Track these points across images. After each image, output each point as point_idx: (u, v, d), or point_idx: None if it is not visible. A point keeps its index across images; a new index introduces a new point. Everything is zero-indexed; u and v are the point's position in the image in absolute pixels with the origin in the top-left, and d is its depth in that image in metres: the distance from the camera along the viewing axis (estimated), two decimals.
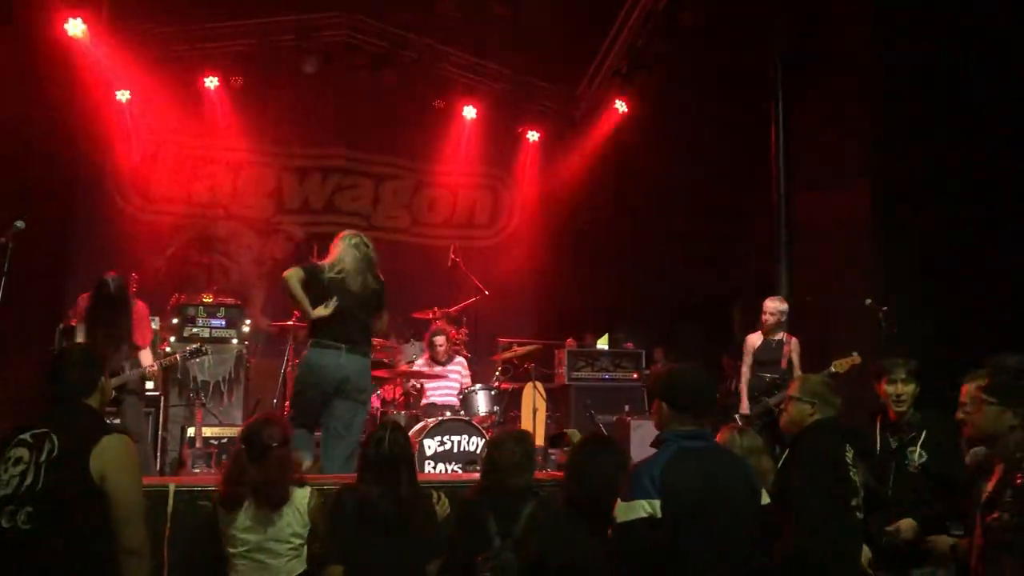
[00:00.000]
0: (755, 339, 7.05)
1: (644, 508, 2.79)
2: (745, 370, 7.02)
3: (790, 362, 6.87)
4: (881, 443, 4.21)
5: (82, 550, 2.91)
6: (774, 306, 6.99)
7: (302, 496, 3.70)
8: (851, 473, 3.79)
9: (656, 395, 3.11)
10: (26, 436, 2.98)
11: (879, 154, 7.73)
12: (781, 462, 4.01)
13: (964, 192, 7.28)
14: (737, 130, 9.33)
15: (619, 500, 2.88)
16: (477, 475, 4.13)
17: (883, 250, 7.66)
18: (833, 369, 6.32)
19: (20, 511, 2.88)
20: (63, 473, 2.92)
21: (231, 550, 3.62)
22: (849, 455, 3.82)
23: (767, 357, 6.91)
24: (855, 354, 6.34)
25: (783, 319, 6.97)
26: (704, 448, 2.98)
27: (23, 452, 2.95)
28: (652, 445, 3.04)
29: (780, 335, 6.93)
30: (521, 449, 3.72)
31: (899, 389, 4.16)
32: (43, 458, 2.92)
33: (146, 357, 6.15)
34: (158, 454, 7.29)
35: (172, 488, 4.31)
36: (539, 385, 8.37)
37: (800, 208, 8.13)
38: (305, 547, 3.68)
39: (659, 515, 2.77)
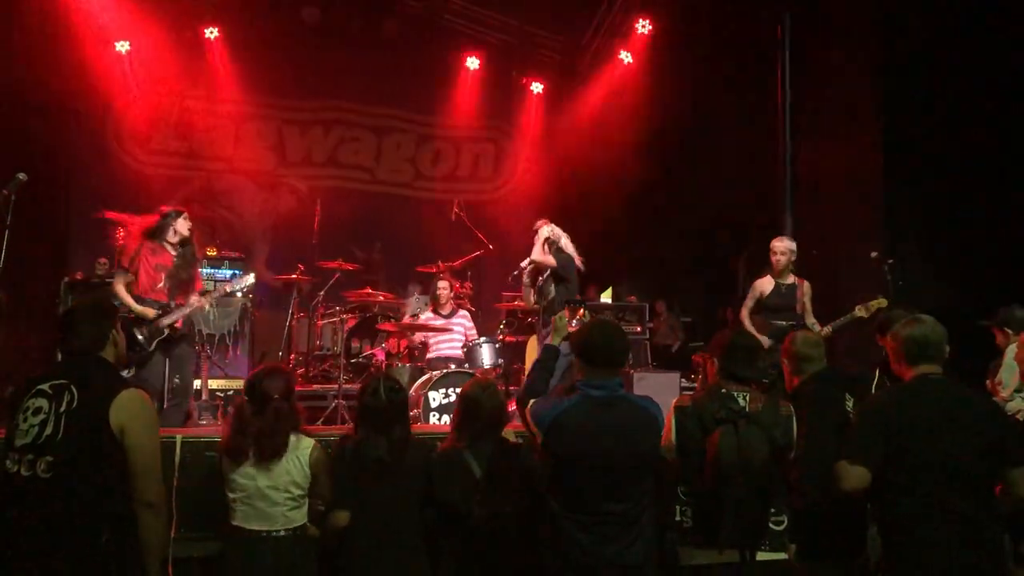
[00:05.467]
0: (765, 284, 6.61)
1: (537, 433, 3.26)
2: (745, 313, 6.64)
3: (804, 307, 6.53)
4: None
5: (100, 500, 2.94)
6: (785, 245, 6.60)
7: (304, 447, 3.71)
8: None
9: (572, 350, 3.43)
10: (45, 387, 3.00)
11: (889, 106, 7.64)
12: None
13: (972, 146, 7.21)
14: (743, 81, 9.22)
15: (533, 407, 3.32)
16: None
17: (890, 203, 7.61)
18: (857, 313, 6.10)
19: (40, 460, 2.91)
20: (83, 424, 2.94)
21: (231, 495, 3.67)
22: (849, 403, 3.86)
23: (780, 303, 6.54)
24: (881, 297, 6.09)
25: (793, 259, 6.65)
26: (606, 397, 3.24)
27: (43, 402, 2.97)
28: (567, 391, 3.34)
29: (791, 279, 6.58)
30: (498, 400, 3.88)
31: None
32: (63, 408, 2.94)
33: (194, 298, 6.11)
34: (163, 406, 7.34)
35: (179, 439, 4.36)
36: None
37: (806, 160, 8.05)
38: (306, 500, 3.72)
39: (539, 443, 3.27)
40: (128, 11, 9.92)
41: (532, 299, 7.09)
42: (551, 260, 6.82)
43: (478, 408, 3.79)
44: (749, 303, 6.67)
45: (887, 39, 7.65)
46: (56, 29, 8.84)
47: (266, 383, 3.73)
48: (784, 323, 6.33)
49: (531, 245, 7.04)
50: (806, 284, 6.61)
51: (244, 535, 3.63)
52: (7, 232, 4.87)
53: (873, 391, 4.26)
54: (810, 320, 6.42)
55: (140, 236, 5.92)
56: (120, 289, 5.77)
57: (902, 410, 3.26)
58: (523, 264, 7.04)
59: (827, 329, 6.20)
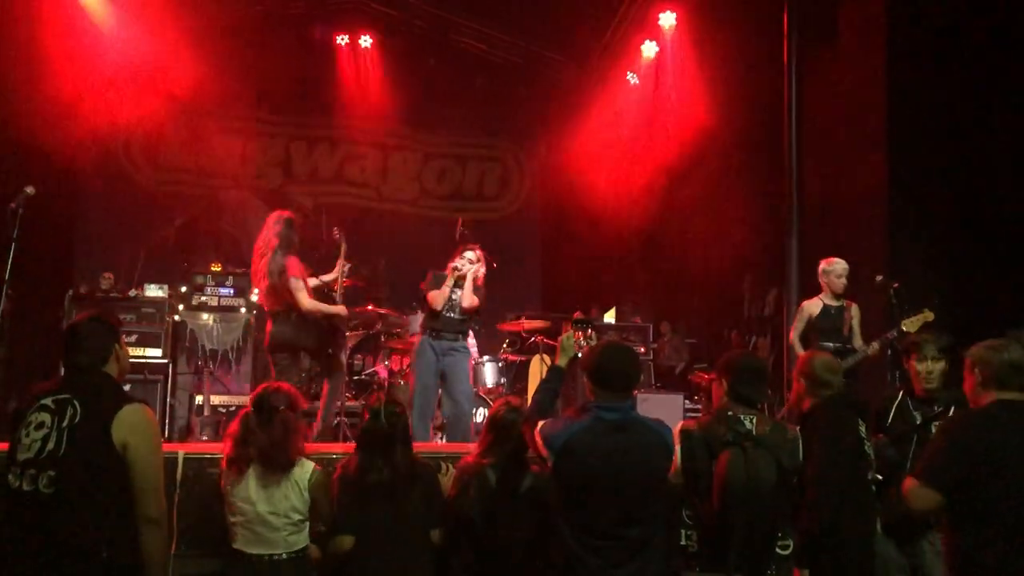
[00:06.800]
0: (813, 306, 6.43)
1: (548, 455, 3.27)
2: (795, 336, 6.43)
3: (851, 329, 6.34)
4: (905, 418, 4.21)
5: (102, 516, 2.92)
6: (843, 266, 6.37)
7: (303, 471, 3.67)
8: (865, 447, 3.81)
9: (583, 371, 3.41)
10: (48, 401, 2.98)
11: (895, 127, 7.63)
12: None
13: (980, 169, 7.20)
14: (748, 102, 9.24)
15: (543, 429, 3.29)
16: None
17: (895, 226, 7.59)
18: (904, 328, 5.86)
19: (42, 475, 2.89)
20: (86, 439, 2.92)
21: (231, 518, 3.64)
22: (862, 429, 3.83)
23: (829, 325, 6.32)
24: (927, 310, 5.91)
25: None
26: (619, 419, 3.23)
27: (45, 417, 2.95)
28: (578, 412, 3.31)
29: (840, 301, 6.40)
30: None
31: (928, 367, 4.17)
32: (65, 423, 2.92)
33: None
34: (166, 422, 7.33)
35: (181, 456, 4.33)
36: (546, 358, 8.38)
37: (812, 182, 8.05)
38: (307, 523, 3.68)
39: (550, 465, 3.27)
40: (138, 27, 9.98)
41: (444, 304, 6.51)
42: (476, 301, 6.49)
43: (511, 430, 3.74)
44: (799, 326, 6.46)
45: (899, 59, 7.65)
46: (66, 44, 8.88)
47: (274, 397, 3.72)
48: (832, 345, 6.15)
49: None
50: (855, 306, 6.43)
51: (246, 559, 3.59)
52: (13, 245, 4.88)
53: (892, 414, 4.25)
54: (858, 342, 6.27)
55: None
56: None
57: (985, 436, 3.21)
58: (455, 295, 6.57)
59: (875, 346, 6.08)
